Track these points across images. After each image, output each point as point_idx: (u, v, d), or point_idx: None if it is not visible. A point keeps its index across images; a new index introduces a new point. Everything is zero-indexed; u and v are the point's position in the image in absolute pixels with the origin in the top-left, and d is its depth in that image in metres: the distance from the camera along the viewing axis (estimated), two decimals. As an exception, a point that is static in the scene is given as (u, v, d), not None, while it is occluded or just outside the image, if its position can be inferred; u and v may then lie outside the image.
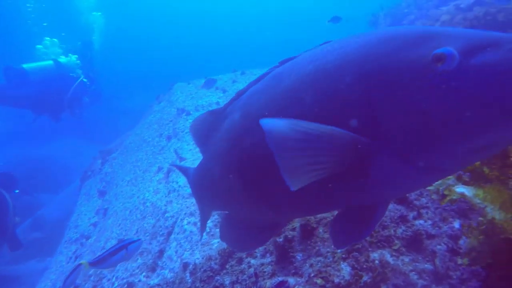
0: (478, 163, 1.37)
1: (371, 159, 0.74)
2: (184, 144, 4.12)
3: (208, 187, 1.22)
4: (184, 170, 1.56)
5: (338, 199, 0.86)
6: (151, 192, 3.72)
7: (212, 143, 1.14)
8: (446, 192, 1.41)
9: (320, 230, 1.68)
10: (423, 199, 1.75)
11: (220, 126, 1.10)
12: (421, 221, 1.63)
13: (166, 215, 3.14)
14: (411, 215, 1.67)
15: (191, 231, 2.69)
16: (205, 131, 1.19)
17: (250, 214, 1.12)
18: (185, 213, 2.92)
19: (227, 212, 1.26)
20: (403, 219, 1.66)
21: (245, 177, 1.00)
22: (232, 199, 1.12)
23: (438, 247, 1.54)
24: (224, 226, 1.24)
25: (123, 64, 20.31)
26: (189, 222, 2.79)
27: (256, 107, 0.96)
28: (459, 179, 1.50)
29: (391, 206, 1.71)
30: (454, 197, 1.39)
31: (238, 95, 1.08)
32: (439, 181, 1.50)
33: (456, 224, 1.53)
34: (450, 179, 1.53)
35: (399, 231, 1.62)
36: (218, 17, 26.91)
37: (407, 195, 1.70)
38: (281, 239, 1.69)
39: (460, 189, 1.33)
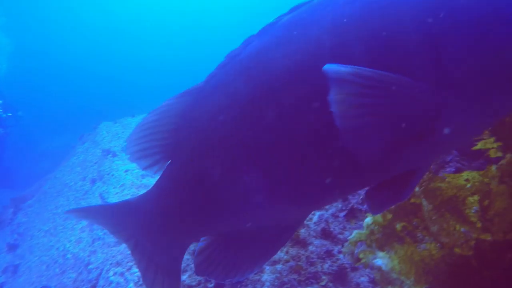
0: (390, 216, 1.25)
1: (442, 112, 0.62)
2: (110, 188, 3.91)
3: (198, 198, 0.85)
4: (116, 207, 1.07)
5: (395, 164, 0.71)
6: (72, 242, 3.44)
7: (195, 136, 0.81)
8: (361, 256, 1.30)
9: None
10: (347, 232, 1.87)
11: (204, 108, 0.80)
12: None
13: (89, 267, 2.92)
14: (336, 249, 1.76)
15: (118, 283, 2.52)
16: (172, 123, 0.84)
17: (261, 220, 0.84)
18: (111, 263, 2.73)
19: (212, 235, 0.91)
20: (328, 254, 1.74)
21: (271, 165, 0.73)
22: (243, 203, 0.80)
23: (362, 279, 1.63)
24: (211, 252, 0.88)
25: (40, 99, 18.91)
26: (115, 273, 2.61)
27: (274, 66, 0.72)
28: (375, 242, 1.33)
29: (317, 241, 1.77)
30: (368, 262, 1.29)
31: (231, 57, 0.81)
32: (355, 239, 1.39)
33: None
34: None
35: (326, 266, 1.69)
36: (148, 49, 26.61)
37: (331, 230, 1.79)
38: None
39: (378, 261, 1.23)
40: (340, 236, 1.81)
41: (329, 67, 0.59)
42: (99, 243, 3.14)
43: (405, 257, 1.16)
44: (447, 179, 1.08)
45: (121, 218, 1.02)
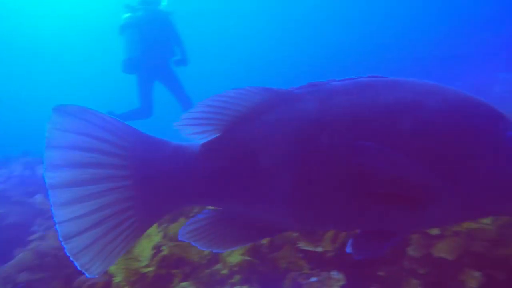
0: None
1: (436, 198, 0.80)
2: None
3: (240, 171, 0.88)
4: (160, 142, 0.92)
5: (386, 221, 0.86)
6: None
7: (261, 125, 0.87)
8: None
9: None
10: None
11: (276, 109, 0.87)
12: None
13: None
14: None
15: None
16: (250, 106, 0.87)
17: (265, 214, 0.92)
18: None
19: (217, 207, 0.96)
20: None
21: (300, 178, 0.83)
22: (265, 194, 0.87)
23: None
24: (209, 221, 0.93)
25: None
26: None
27: (343, 108, 0.82)
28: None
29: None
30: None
31: (313, 85, 0.88)
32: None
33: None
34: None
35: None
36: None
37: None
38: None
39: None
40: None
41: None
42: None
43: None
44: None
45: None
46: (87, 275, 0.77)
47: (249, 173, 0.86)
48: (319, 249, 1.69)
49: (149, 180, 0.85)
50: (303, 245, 1.69)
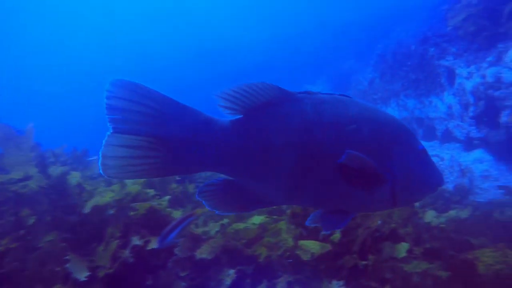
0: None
1: (382, 185, 1.13)
2: None
3: (255, 149, 1.13)
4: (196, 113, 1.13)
5: (348, 201, 1.18)
6: None
7: (275, 115, 1.14)
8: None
9: None
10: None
11: (285, 104, 1.14)
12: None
13: None
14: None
15: None
16: (268, 98, 1.13)
17: (265, 188, 1.17)
18: None
19: (231, 178, 1.19)
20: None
21: (297, 161, 1.11)
22: (271, 171, 1.14)
23: None
24: (220, 188, 1.18)
25: None
26: None
27: (327, 113, 1.12)
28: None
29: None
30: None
31: (309, 93, 1.15)
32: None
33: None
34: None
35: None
36: None
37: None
38: None
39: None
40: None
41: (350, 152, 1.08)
42: None
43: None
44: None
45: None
46: (103, 173, 1.01)
47: (262, 152, 1.10)
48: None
49: (179, 140, 1.07)
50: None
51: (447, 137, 6.44)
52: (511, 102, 4.34)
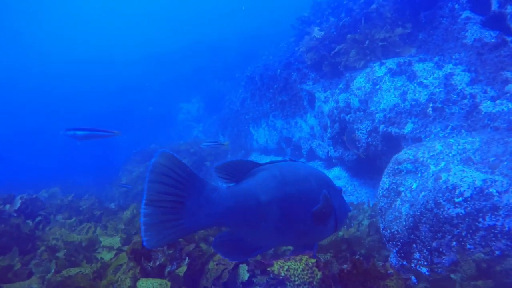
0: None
1: (331, 218, 1.80)
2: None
3: (248, 206, 1.61)
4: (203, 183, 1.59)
5: (314, 237, 1.78)
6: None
7: (256, 181, 1.67)
8: None
9: None
10: None
11: (260, 173, 1.70)
12: None
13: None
14: None
15: None
16: (248, 170, 1.73)
17: (260, 235, 1.64)
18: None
19: (231, 231, 1.65)
20: None
21: (279, 211, 1.63)
22: (262, 221, 1.62)
23: None
24: (227, 240, 1.62)
25: None
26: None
27: (289, 175, 1.73)
28: None
29: None
30: None
31: (273, 162, 1.79)
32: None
33: None
34: None
35: None
36: None
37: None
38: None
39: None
40: None
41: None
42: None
43: None
44: None
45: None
46: (146, 245, 1.39)
47: (255, 207, 1.61)
48: None
49: (194, 205, 1.51)
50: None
51: (312, 156, 6.91)
52: (358, 125, 4.81)
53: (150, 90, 18.36)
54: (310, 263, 1.55)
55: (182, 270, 2.12)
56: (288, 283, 1.50)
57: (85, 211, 5.40)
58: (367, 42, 5.13)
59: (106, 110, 19.10)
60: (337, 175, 5.75)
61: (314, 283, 1.51)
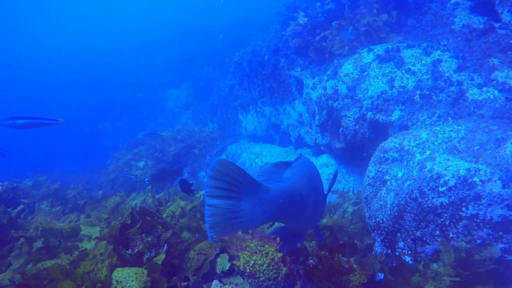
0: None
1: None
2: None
3: (295, 201, 1.91)
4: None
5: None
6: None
7: (292, 176, 2.04)
8: None
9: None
10: None
11: (297, 170, 2.08)
12: None
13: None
14: None
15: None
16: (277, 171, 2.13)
17: (301, 224, 2.00)
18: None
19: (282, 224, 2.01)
20: None
21: (313, 202, 2.03)
22: (304, 211, 1.96)
23: None
24: (278, 233, 1.97)
25: None
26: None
27: (309, 169, 2.13)
28: None
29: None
30: None
31: (298, 158, 2.21)
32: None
33: None
34: None
35: None
36: None
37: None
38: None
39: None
40: None
41: None
42: None
43: None
44: None
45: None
46: (211, 241, 1.66)
47: (299, 200, 1.92)
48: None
49: (250, 205, 1.72)
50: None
51: (300, 143, 6.87)
52: (346, 113, 4.76)
53: (139, 76, 18.07)
54: (276, 258, 1.49)
55: (161, 258, 2.07)
56: (253, 280, 1.45)
57: (71, 200, 5.31)
58: (350, 28, 5.04)
59: (95, 98, 18.76)
60: (325, 163, 5.72)
61: (279, 278, 1.47)
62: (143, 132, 6.01)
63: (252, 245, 1.50)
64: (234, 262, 1.60)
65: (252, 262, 1.49)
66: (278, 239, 1.55)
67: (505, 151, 2.40)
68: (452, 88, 3.81)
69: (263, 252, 1.48)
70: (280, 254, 1.49)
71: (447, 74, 3.94)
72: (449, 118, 3.63)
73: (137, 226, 2.44)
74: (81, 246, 3.22)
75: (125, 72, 19.46)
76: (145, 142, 9.18)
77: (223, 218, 1.62)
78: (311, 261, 1.57)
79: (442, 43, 4.42)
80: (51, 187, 6.25)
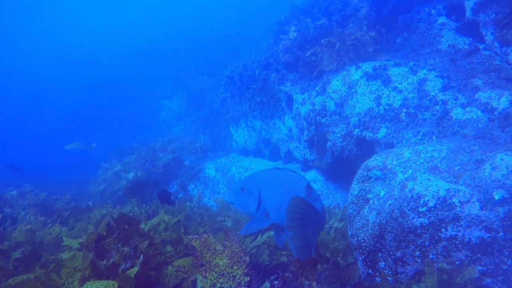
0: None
1: None
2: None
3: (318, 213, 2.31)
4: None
5: None
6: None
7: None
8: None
9: None
10: None
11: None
12: None
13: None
14: None
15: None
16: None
17: (312, 236, 2.27)
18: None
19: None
20: None
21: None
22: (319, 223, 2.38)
23: None
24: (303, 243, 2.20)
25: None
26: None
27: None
28: None
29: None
30: None
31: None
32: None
33: None
34: None
35: None
36: None
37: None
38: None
39: None
40: None
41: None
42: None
43: None
44: None
45: None
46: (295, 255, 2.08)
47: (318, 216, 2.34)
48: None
49: (313, 223, 2.24)
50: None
51: (289, 158, 6.87)
52: (334, 129, 4.78)
53: (132, 86, 18.02)
54: (242, 283, 1.46)
55: (133, 271, 2.03)
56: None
57: (56, 211, 5.23)
58: (337, 44, 5.10)
59: (87, 107, 18.66)
60: (313, 178, 5.72)
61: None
62: (70, 144, 5.84)
63: (221, 263, 1.47)
64: (201, 285, 1.55)
65: (218, 285, 1.45)
66: (247, 258, 1.51)
67: (484, 172, 2.41)
68: (437, 107, 3.85)
69: (231, 275, 1.44)
70: (247, 279, 1.46)
71: (432, 93, 3.99)
72: (433, 137, 3.66)
73: (114, 236, 2.40)
74: (60, 257, 3.16)
75: (118, 81, 19.43)
76: (135, 151, 9.12)
77: (299, 239, 2.14)
78: (276, 282, 1.54)
79: (428, 62, 4.49)
80: (39, 196, 6.17)
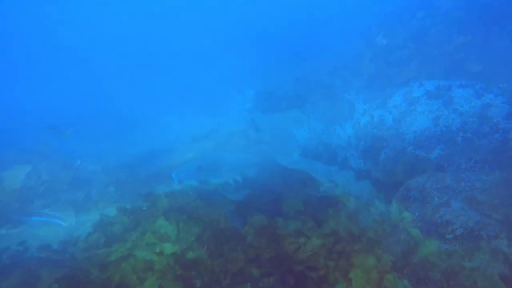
0: None
1: None
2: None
3: None
4: None
5: None
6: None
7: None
8: None
9: None
10: None
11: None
12: None
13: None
14: None
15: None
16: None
17: None
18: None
19: None
20: None
21: None
22: None
23: None
24: None
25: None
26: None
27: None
28: None
29: None
30: None
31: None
32: None
33: None
34: None
35: None
36: None
37: None
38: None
39: None
40: None
41: None
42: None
43: None
44: None
45: None
46: None
47: None
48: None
49: None
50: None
51: (345, 164, 6.96)
52: (388, 143, 4.83)
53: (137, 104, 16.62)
54: None
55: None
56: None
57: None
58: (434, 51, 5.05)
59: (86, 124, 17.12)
60: (364, 187, 5.79)
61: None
62: (47, 126, 6.05)
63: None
64: None
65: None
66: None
67: (518, 210, 2.42)
68: (497, 135, 3.75)
69: None
70: None
71: (494, 120, 3.87)
72: (485, 166, 3.59)
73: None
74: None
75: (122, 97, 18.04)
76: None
77: None
78: None
79: (500, 85, 4.31)
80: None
